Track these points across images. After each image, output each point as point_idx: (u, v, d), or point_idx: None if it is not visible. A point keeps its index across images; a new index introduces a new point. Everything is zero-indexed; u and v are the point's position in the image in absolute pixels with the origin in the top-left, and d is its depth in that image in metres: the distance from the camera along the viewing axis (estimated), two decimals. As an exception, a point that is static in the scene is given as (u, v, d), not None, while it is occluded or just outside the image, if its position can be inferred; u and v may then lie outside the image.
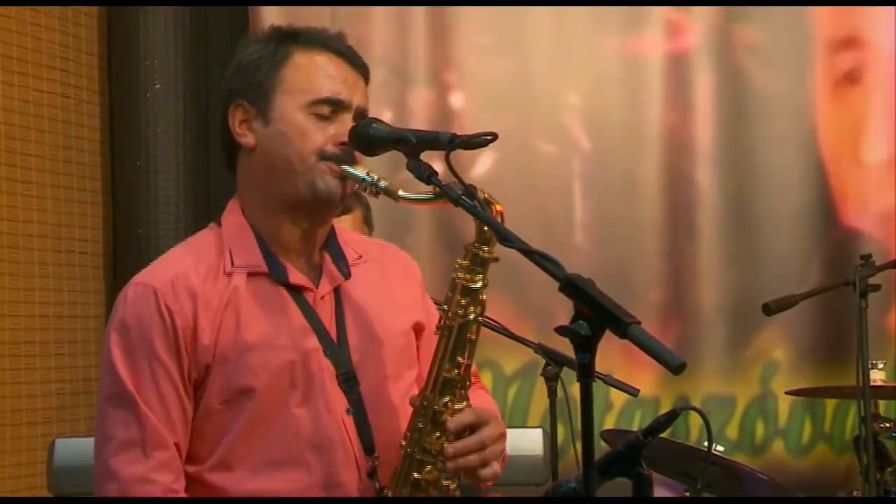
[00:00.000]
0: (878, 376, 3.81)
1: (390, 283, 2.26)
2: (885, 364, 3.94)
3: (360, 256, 2.24)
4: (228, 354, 2.07)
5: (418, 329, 2.25)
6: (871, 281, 3.64)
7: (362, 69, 2.20)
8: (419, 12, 4.74)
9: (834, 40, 4.79)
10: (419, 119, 4.64)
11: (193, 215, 4.63)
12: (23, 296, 4.30)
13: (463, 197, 1.95)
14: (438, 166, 2.01)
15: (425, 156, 2.04)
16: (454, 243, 4.58)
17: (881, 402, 4.01)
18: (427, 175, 1.99)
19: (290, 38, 2.18)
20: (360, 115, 2.15)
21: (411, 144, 2.02)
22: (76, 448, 3.44)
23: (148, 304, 2.07)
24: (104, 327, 4.63)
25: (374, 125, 2.09)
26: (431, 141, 2.02)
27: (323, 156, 2.10)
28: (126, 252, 4.64)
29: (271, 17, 4.61)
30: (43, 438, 4.12)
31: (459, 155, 1.99)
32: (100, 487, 2.07)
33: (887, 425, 3.81)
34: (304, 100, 2.12)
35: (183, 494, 2.06)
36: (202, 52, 4.79)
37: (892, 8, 4.71)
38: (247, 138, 2.16)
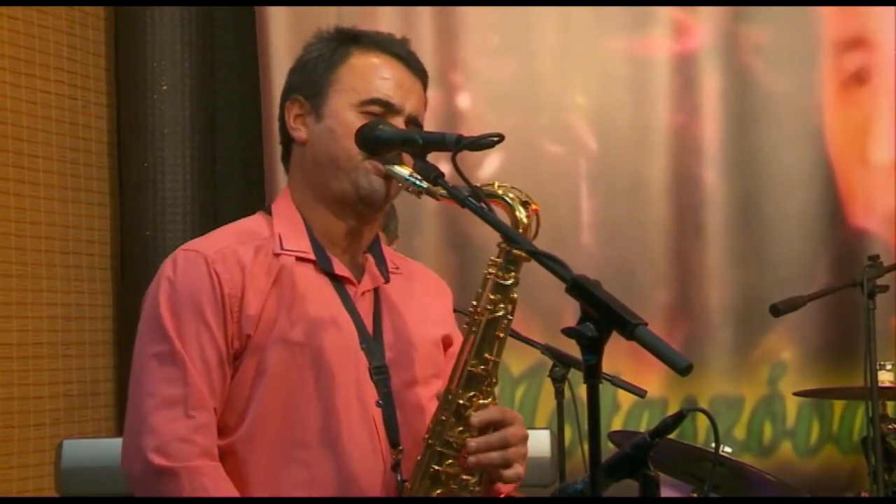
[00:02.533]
0: (885, 377, 3.80)
1: (424, 296, 2.31)
2: (892, 365, 3.93)
3: (398, 268, 2.29)
4: (269, 330, 2.09)
5: (446, 343, 2.28)
6: (879, 282, 3.64)
7: (421, 74, 2.26)
8: (426, 14, 4.74)
9: (841, 41, 4.78)
10: (426, 119, 4.62)
11: (201, 216, 4.63)
12: (30, 297, 4.30)
13: (469, 199, 1.96)
14: (445, 167, 2.02)
15: (432, 156, 2.05)
16: (462, 244, 4.59)
17: (889, 403, 4.01)
18: (433, 177, 2.00)
19: (351, 39, 2.24)
20: (413, 121, 2.17)
21: (418, 146, 2.05)
22: (84, 450, 3.45)
23: (198, 269, 2.10)
24: (112, 328, 4.69)
25: (380, 126, 2.11)
26: (438, 142, 2.04)
27: (369, 155, 2.12)
28: (133, 253, 4.64)
29: (278, 17, 4.61)
30: (51, 440, 4.12)
31: (466, 156, 2.00)
32: (135, 441, 2.06)
33: (895, 426, 3.80)
34: (355, 99, 2.17)
35: (217, 459, 2.07)
36: (209, 53, 4.79)
37: (899, 8, 4.70)
38: (300, 132, 2.22)
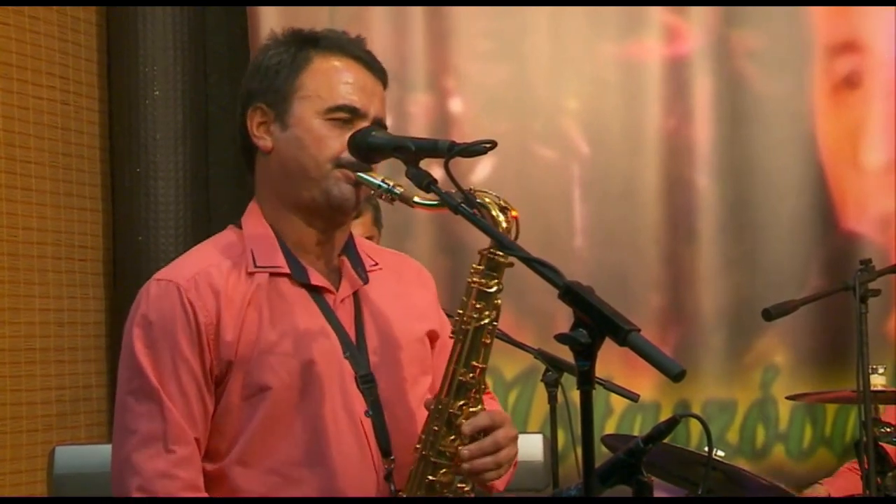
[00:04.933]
0: (878, 381, 3.81)
1: (406, 290, 2.28)
2: (885, 369, 3.94)
3: (377, 264, 2.27)
4: (250, 351, 2.08)
5: (433, 337, 2.27)
6: (871, 286, 3.63)
7: (381, 74, 2.22)
8: (418, 19, 4.73)
9: (833, 44, 4.79)
10: (418, 124, 4.64)
11: (193, 221, 4.62)
12: (23, 302, 4.29)
13: (462, 205, 1.95)
14: (438, 173, 2.01)
15: (424, 162, 2.05)
16: (455, 249, 4.59)
17: (881, 407, 4.01)
18: (426, 183, 1.99)
19: (310, 43, 2.20)
20: (378, 123, 2.16)
21: (410, 152, 2.04)
22: (76, 456, 3.44)
23: (171, 300, 2.08)
24: (104, 334, 4.68)
25: (373, 133, 2.10)
26: (430, 149, 2.03)
27: (338, 163, 2.12)
28: (126, 258, 4.63)
29: (270, 17, 4.61)
30: (43, 445, 4.12)
31: (459, 161, 1.99)
32: (120, 481, 2.06)
33: (888, 430, 3.80)
34: (321, 106, 2.14)
35: (203, 491, 2.06)
36: (201, 58, 4.79)
37: (891, 11, 4.70)
38: (264, 141, 2.19)
